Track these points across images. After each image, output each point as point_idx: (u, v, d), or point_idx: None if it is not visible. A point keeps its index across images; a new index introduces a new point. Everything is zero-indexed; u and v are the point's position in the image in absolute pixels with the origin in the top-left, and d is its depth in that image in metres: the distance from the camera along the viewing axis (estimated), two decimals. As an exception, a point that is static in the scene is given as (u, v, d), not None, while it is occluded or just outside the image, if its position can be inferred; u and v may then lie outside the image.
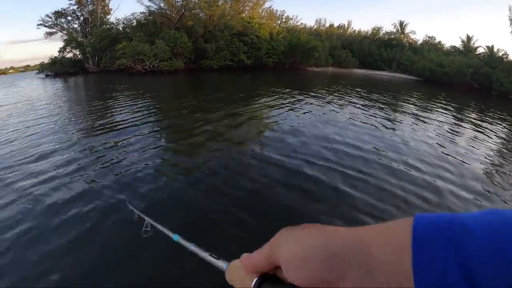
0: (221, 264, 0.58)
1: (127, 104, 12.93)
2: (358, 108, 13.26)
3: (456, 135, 10.17)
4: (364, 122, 10.32)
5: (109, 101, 14.24)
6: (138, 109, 11.79)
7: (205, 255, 0.67)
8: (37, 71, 54.01)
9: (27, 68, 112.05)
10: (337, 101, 14.96)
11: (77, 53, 46.41)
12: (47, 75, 46.08)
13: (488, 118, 14.26)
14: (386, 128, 9.92)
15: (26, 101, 15.80)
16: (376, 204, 4.68)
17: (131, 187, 5.11)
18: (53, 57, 47.17)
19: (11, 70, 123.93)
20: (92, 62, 43.22)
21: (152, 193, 4.92)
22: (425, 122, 11.49)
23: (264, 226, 3.92)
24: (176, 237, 1.00)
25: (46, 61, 48.31)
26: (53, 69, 45.28)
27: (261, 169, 5.83)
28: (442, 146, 8.44)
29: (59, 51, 46.94)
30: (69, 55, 46.95)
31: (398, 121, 11.35)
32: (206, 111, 11.31)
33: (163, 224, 1.16)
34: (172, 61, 34.10)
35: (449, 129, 11.01)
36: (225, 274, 0.53)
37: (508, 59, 37.05)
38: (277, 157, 6.46)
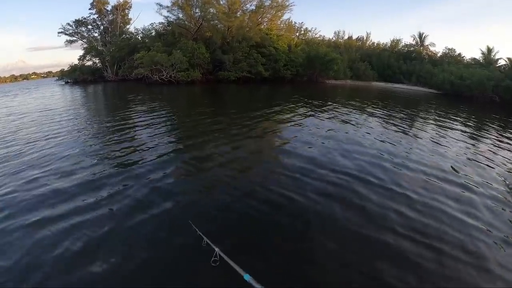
0: None
1: (148, 117, 12.72)
2: (380, 123, 12.85)
3: (478, 150, 9.83)
4: (386, 137, 10.16)
5: (129, 112, 14.09)
6: (157, 121, 11.70)
7: None
8: (57, 77, 55.26)
9: (48, 74, 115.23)
10: (357, 115, 14.53)
11: (97, 62, 47.25)
12: (66, 82, 47.06)
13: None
14: (407, 142, 9.71)
15: (47, 110, 15.82)
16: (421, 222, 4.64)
17: (194, 209, 4.90)
18: (73, 64, 48.24)
19: (33, 76, 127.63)
20: (111, 71, 43.81)
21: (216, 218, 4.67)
22: (445, 137, 11.00)
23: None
24: (247, 277, 1.00)
25: (66, 68, 49.48)
26: (73, 76, 46.23)
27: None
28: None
29: (79, 59, 48.07)
30: (89, 63, 48.01)
31: (420, 136, 10.92)
32: (226, 126, 11.14)
33: (233, 258, 1.10)
34: (190, 71, 34.05)
35: (472, 144, 10.60)
36: None
37: None
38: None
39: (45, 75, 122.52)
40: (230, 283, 2.79)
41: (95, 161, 7.08)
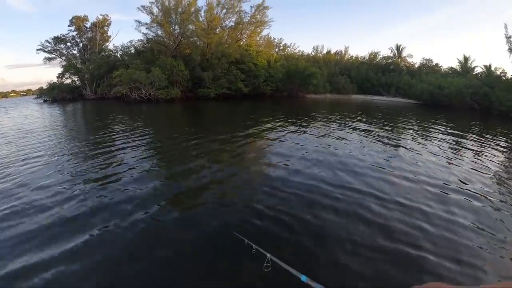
0: None
1: (129, 138, 11.95)
2: (360, 134, 12.82)
3: (461, 154, 10.03)
4: (371, 149, 10.13)
5: (109, 134, 13.18)
6: (138, 142, 11.07)
7: None
8: (36, 96, 54.26)
9: (28, 92, 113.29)
10: (338, 128, 14.50)
11: (75, 79, 46.59)
12: (45, 100, 46.12)
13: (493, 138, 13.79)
14: (392, 153, 9.75)
15: (23, 131, 15.00)
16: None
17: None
18: (51, 82, 47.41)
19: (13, 94, 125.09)
20: (90, 89, 43.25)
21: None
22: (426, 146, 11.04)
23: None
24: (304, 278, 1.00)
25: (45, 86, 48.59)
26: (51, 94, 45.38)
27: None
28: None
29: (58, 77, 47.25)
30: (68, 81, 47.23)
31: (401, 145, 11.03)
32: (203, 143, 10.80)
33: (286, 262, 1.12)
34: (169, 89, 33.80)
35: (454, 149, 10.84)
36: None
37: (507, 77, 36.90)
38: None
39: (25, 93, 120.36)
40: (287, 286, 2.97)
41: (87, 189, 6.53)
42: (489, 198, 6.03)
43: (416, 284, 0.49)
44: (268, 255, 1.61)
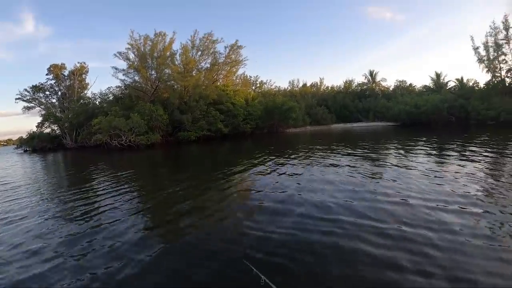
0: None
1: (113, 189, 11.47)
2: (346, 163, 12.73)
3: (449, 169, 10.02)
4: (351, 176, 10.05)
5: (92, 185, 12.70)
6: (119, 193, 10.92)
7: None
8: (15, 146, 53.54)
9: (8, 142, 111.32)
10: (323, 158, 14.45)
11: (55, 128, 46.31)
12: (25, 151, 45.65)
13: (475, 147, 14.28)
14: (374, 178, 9.63)
15: (3, 184, 14.64)
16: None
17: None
18: (31, 132, 46.99)
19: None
20: (70, 138, 42.93)
21: None
22: (413, 166, 11.00)
23: None
24: None
25: (24, 136, 48.07)
26: (31, 144, 44.99)
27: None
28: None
29: (37, 126, 46.91)
30: (47, 130, 46.93)
31: (388, 168, 11.06)
32: (188, 188, 10.65)
33: None
34: (149, 134, 33.80)
35: (437, 165, 10.95)
36: None
37: (479, 86, 38.50)
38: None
39: (5, 143, 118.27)
40: None
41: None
42: (489, 210, 5.96)
43: None
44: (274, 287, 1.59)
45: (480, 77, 78.85)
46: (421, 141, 18.50)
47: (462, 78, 42.23)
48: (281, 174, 11.46)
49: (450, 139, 18.43)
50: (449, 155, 12.62)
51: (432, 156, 12.65)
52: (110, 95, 43.39)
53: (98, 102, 44.80)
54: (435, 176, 8.82)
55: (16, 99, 46.45)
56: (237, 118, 37.27)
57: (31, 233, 6.99)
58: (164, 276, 4.55)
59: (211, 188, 10.46)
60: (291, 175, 11.16)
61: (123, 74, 38.77)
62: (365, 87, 53.64)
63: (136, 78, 39.25)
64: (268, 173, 11.93)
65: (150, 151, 29.89)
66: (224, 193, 9.52)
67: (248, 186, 10.22)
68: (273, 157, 16.13)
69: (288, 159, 15.09)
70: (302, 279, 4.14)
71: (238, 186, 10.43)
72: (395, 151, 15.20)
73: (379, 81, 54.57)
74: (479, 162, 10.64)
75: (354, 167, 11.52)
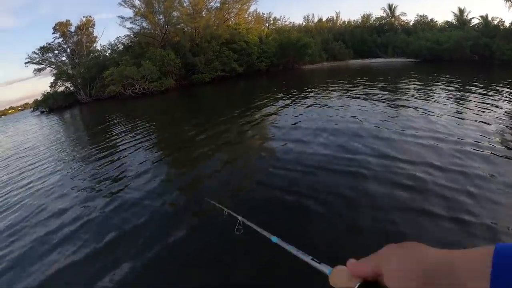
0: (324, 268, 0.62)
1: (130, 137, 11.39)
2: (366, 100, 12.12)
3: (470, 111, 9.20)
4: (374, 114, 9.50)
5: (110, 136, 12.71)
6: (140, 139, 10.61)
7: (308, 259, 0.70)
8: (32, 108, 53.93)
9: (26, 106, 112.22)
10: (343, 95, 13.84)
11: (69, 86, 45.92)
12: (42, 112, 45.76)
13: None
14: (398, 118, 8.94)
15: (25, 149, 14.09)
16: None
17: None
18: (45, 93, 46.85)
19: (11, 110, 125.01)
20: (84, 93, 42.60)
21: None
22: (437, 103, 10.38)
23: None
24: (275, 239, 1.02)
25: (39, 98, 48.09)
26: (47, 105, 44.88)
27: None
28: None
29: (51, 86, 46.61)
30: (61, 88, 46.56)
31: (410, 106, 10.27)
32: (205, 130, 10.34)
33: (258, 224, 1.16)
34: (162, 80, 33.16)
35: (463, 106, 10.05)
36: (329, 278, 0.58)
37: (505, 26, 35.69)
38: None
39: (23, 107, 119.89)
40: (258, 247, 3.06)
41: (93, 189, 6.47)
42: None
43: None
44: (239, 217, 1.64)
45: (506, 16, 73.22)
46: (444, 79, 17.12)
47: (486, 16, 38.75)
48: (299, 113, 10.87)
49: (474, 79, 16.86)
50: (474, 96, 11.50)
51: (457, 97, 11.58)
52: (120, 45, 42.45)
53: (108, 53, 43.89)
54: (461, 118, 8.16)
55: (25, 63, 45.75)
56: (251, 57, 36.00)
57: (56, 193, 6.61)
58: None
59: (230, 129, 10.03)
60: (310, 113, 10.62)
61: (131, 22, 37.71)
62: (383, 21, 50.42)
63: (144, 24, 38.02)
64: (286, 112, 11.41)
65: (164, 97, 29.43)
66: (244, 135, 9.16)
67: (268, 126, 9.69)
68: (290, 95, 15.43)
69: (306, 97, 14.31)
70: (332, 221, 3.93)
71: (257, 126, 9.95)
72: (417, 90, 14.09)
73: (398, 15, 51.16)
74: (508, 103, 9.77)
75: (375, 105, 10.84)
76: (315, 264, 0.64)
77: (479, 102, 10.04)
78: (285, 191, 4.77)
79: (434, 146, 6.06)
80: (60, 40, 46.53)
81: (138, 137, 10.87)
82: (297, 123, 9.30)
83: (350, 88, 15.87)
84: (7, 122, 49.52)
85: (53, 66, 46.92)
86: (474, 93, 12.14)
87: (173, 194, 5.43)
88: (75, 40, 46.53)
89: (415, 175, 4.80)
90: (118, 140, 11.02)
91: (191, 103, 21.65)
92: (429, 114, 8.71)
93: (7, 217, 5.82)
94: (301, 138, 7.46)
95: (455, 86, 14.31)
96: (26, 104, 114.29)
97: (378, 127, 7.76)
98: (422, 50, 37.77)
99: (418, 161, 5.36)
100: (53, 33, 46.37)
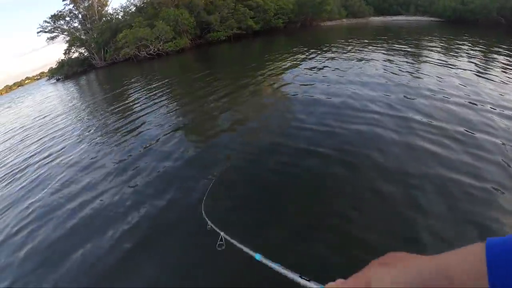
0: (314, 286, 0.60)
1: (148, 100, 11.28)
2: (383, 60, 11.43)
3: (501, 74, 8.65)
4: (394, 73, 9.14)
5: (128, 101, 12.46)
6: (158, 102, 10.41)
7: (295, 277, 0.67)
8: (47, 77, 54.17)
9: (42, 75, 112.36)
10: (365, 54, 13.14)
11: (83, 51, 45.69)
12: (57, 79, 45.86)
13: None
14: (428, 76, 8.49)
15: (44, 117, 13.96)
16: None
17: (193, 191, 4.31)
18: (60, 60, 46.77)
19: (27, 81, 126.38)
20: (99, 57, 42.30)
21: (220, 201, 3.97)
22: (466, 66, 9.67)
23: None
24: (258, 256, 0.97)
25: (54, 66, 48.10)
26: (62, 72, 44.91)
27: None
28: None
29: (65, 53, 46.45)
30: (75, 54, 46.40)
31: (441, 66, 9.69)
32: (222, 89, 10.02)
33: (240, 240, 1.12)
34: (177, 40, 32.47)
35: (491, 69, 9.38)
36: None
37: None
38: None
39: (39, 77, 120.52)
40: (241, 265, 2.73)
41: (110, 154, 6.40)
42: None
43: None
44: (222, 233, 1.57)
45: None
46: (472, 41, 15.88)
47: None
48: (323, 70, 10.33)
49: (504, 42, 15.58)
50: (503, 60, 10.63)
51: (487, 59, 10.76)
52: (132, 6, 41.51)
53: (121, 16, 42.99)
54: (492, 80, 7.71)
55: (37, 32, 45.44)
56: (268, 13, 34.63)
57: (79, 164, 6.25)
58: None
59: (249, 86, 9.59)
60: (334, 70, 10.13)
61: (141, -18, 36.28)
62: (405, -24, 47.89)
63: (156, -17, 36.59)
64: (307, 68, 10.92)
65: (180, 57, 28.86)
66: (264, 91, 8.81)
67: (288, 83, 9.21)
68: (308, 53, 14.71)
69: (322, 55, 13.61)
70: (369, 173, 3.80)
71: (277, 83, 9.50)
72: (446, 50, 13.22)
73: (421, -29, 48.40)
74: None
75: (402, 65, 10.21)
76: (304, 282, 0.61)
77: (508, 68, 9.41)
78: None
79: (465, 106, 5.84)
80: (71, 6, 45.87)
81: (152, 103, 10.49)
82: (325, 83, 8.73)
83: (373, 47, 15.16)
84: (23, 93, 50.01)
85: (65, 33, 46.50)
86: (504, 56, 11.37)
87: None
88: (86, 5, 45.71)
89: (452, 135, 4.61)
90: (135, 107, 10.69)
91: (206, 62, 21.01)
92: (461, 77, 8.27)
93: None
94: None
95: (487, 49, 13.36)
96: (42, 73, 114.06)
97: (409, 84, 7.59)
98: (447, 9, 35.71)
99: (453, 121, 5.18)
100: (63, 0, 45.76)
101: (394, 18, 40.98)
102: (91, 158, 6.39)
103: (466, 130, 4.73)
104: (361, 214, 3.20)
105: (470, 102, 5.97)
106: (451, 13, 35.24)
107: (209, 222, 1.89)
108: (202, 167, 4.85)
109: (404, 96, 6.55)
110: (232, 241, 1.33)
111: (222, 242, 1.56)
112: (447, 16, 35.85)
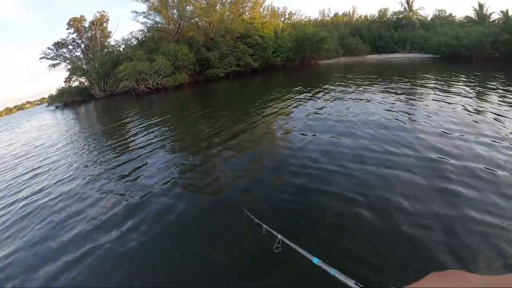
0: None
1: (146, 134, 11.06)
2: (379, 98, 11.60)
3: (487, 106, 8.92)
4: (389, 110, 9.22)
5: (126, 133, 12.30)
6: (157, 136, 10.26)
7: (351, 283, 0.70)
8: (47, 103, 54.39)
9: (42, 101, 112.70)
10: (361, 91, 13.37)
11: (83, 81, 46.12)
12: (57, 107, 45.99)
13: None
14: (428, 115, 8.41)
15: (39, 146, 13.57)
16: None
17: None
18: (60, 87, 47.11)
19: (28, 105, 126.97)
20: (98, 88, 42.60)
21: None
22: (463, 101, 9.83)
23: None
24: (316, 260, 0.98)
25: (54, 93, 48.38)
26: (61, 100, 45.06)
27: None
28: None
29: (65, 81, 46.86)
30: (76, 83, 46.79)
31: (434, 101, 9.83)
32: (220, 126, 9.92)
33: (297, 243, 1.14)
34: (176, 75, 32.76)
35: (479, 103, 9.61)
36: None
37: None
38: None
39: (39, 102, 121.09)
40: (299, 269, 2.82)
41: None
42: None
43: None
44: (279, 236, 1.58)
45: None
46: (467, 77, 16.21)
47: (507, 11, 37.14)
48: (328, 109, 10.32)
49: (495, 76, 15.94)
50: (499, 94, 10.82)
51: (487, 95, 10.84)
52: (133, 40, 42.16)
53: (122, 48, 43.63)
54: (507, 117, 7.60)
55: (40, 58, 46.11)
56: (267, 51, 35.18)
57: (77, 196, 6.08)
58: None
59: (247, 126, 9.51)
60: (340, 109, 10.10)
61: (144, 17, 37.10)
62: (401, 16, 49.27)
63: (158, 19, 37.45)
64: (303, 107, 11.01)
65: (178, 92, 29.01)
66: (263, 129, 8.84)
67: (286, 123, 9.22)
68: (306, 91, 14.88)
69: (324, 93, 13.80)
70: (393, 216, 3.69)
71: (283, 123, 9.42)
72: (442, 86, 13.49)
73: (416, 10, 49.99)
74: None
75: (398, 102, 10.38)
76: None
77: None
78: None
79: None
80: (74, 35, 46.84)
81: (154, 135, 10.38)
82: (326, 115, 8.92)
83: (369, 85, 15.31)
84: (21, 117, 49.97)
85: (67, 61, 47.14)
86: (499, 91, 11.48)
87: (204, 201, 4.96)
88: (89, 35, 46.67)
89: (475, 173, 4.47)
90: (135, 139, 10.48)
91: (205, 99, 21.08)
92: (456, 112, 8.36)
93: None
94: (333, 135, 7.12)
95: (483, 84, 13.54)
96: (43, 98, 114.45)
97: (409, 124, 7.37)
98: (441, 45, 36.44)
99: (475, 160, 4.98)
100: (67, 29, 46.75)
101: (391, 55, 41.84)
102: (87, 204, 5.98)
103: (486, 168, 4.65)
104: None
105: (491, 140, 5.87)
106: (445, 49, 35.94)
107: (264, 226, 2.00)
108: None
109: (417, 136, 6.48)
110: (290, 243, 1.39)
111: (279, 245, 1.64)
112: (442, 52, 36.57)
